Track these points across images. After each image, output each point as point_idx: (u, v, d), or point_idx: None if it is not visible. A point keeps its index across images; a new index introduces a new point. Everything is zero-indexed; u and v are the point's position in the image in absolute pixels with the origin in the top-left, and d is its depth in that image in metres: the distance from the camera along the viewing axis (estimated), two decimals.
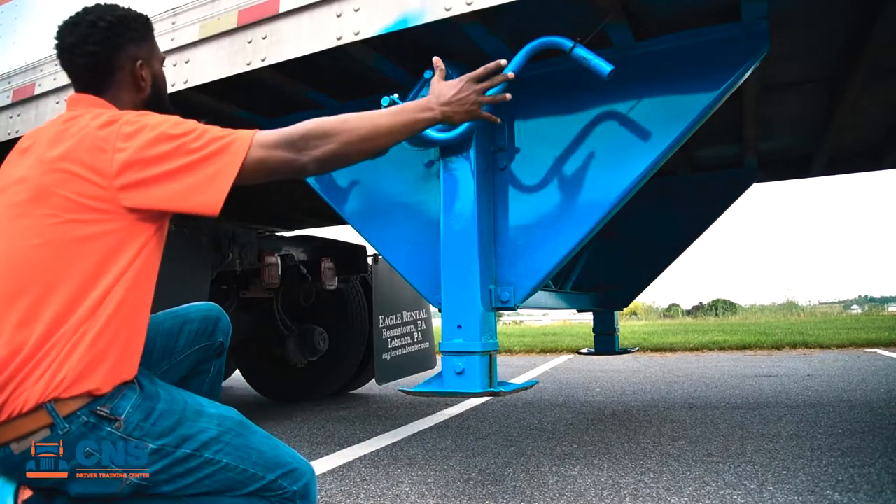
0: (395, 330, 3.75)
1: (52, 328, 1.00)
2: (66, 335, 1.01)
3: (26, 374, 0.98)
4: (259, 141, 1.11)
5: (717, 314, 22.61)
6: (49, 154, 1.08)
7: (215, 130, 1.11)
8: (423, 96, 1.85)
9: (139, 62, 1.26)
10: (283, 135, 1.13)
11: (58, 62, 1.42)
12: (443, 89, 1.31)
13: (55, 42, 1.26)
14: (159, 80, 1.32)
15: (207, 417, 1.11)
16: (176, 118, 1.12)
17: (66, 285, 1.03)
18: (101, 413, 1.02)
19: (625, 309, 3.89)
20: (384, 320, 3.66)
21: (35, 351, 0.99)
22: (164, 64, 1.40)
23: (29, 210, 1.05)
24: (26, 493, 1.04)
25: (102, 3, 1.31)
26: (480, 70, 1.38)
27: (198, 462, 1.07)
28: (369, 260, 4.01)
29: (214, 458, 1.07)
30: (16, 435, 1.00)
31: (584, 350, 4.01)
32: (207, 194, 1.07)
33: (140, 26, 1.30)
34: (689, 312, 29.19)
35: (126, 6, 1.32)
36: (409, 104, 1.25)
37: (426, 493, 1.97)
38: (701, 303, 33.25)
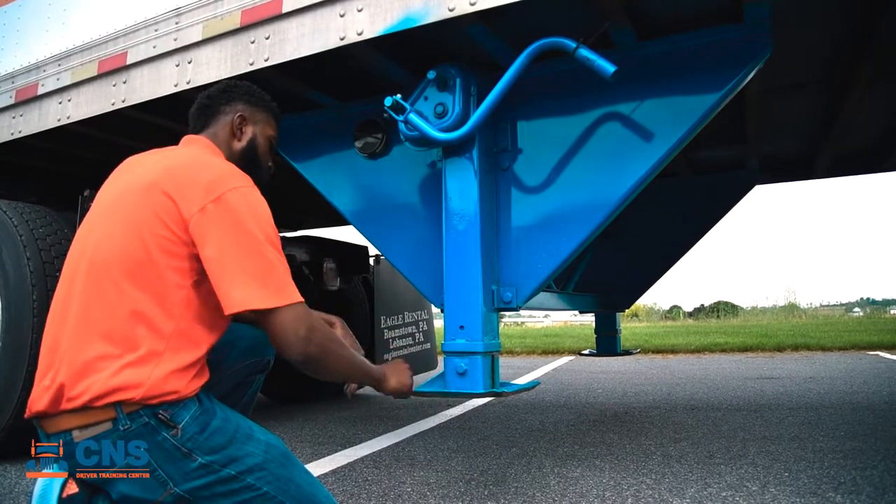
0: (397, 330, 3.75)
1: (140, 334, 1.07)
2: (152, 343, 1.07)
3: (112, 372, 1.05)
4: (299, 310, 1.13)
5: (718, 316, 22.58)
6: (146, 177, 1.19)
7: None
8: (425, 97, 1.87)
9: (241, 115, 1.41)
10: (310, 322, 1.16)
11: (60, 63, 1.43)
12: (401, 373, 1.45)
13: None
14: (258, 147, 1.44)
15: (256, 443, 1.13)
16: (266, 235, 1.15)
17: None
18: (162, 417, 1.05)
19: (626, 310, 3.88)
20: (386, 321, 3.66)
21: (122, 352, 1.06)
22: (168, 64, 1.44)
23: (126, 227, 1.14)
24: (72, 488, 1.07)
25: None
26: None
27: (239, 485, 1.09)
28: (371, 260, 4.01)
29: (255, 485, 1.10)
30: (80, 423, 1.04)
31: (586, 351, 4.01)
32: (237, 293, 1.10)
33: (259, 99, 1.46)
34: (690, 314, 29.18)
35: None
36: (376, 370, 1.39)
37: (428, 493, 1.97)
38: (702, 305, 33.22)
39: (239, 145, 1.40)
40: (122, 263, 1.09)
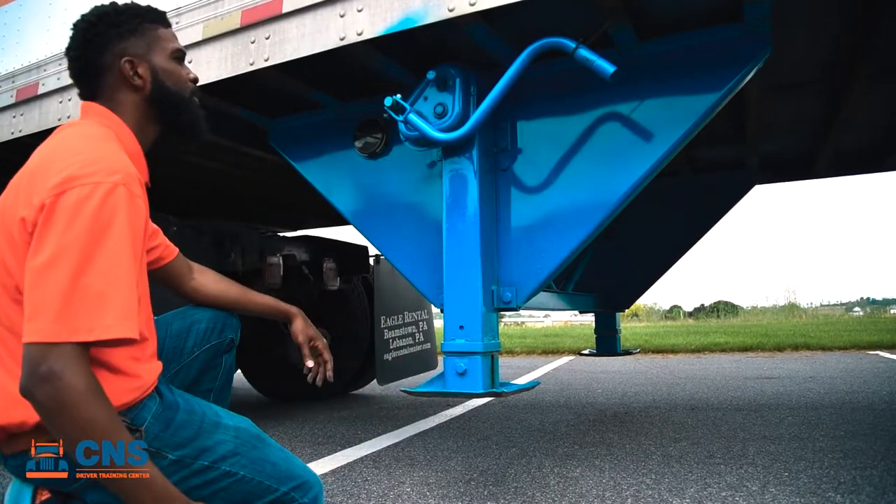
0: (397, 330, 3.75)
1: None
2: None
3: None
4: (62, 350, 0.87)
5: (718, 316, 22.57)
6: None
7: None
8: (424, 97, 1.87)
9: (126, 59, 1.13)
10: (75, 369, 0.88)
11: (61, 62, 1.38)
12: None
13: None
14: (164, 75, 1.16)
15: (224, 430, 1.11)
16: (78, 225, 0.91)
17: None
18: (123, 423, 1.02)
19: (626, 310, 3.89)
20: (386, 321, 3.66)
21: None
22: None
23: None
24: (44, 495, 1.03)
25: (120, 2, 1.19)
26: None
27: (215, 474, 1.07)
28: (371, 260, 4.01)
29: (231, 471, 1.08)
30: (34, 442, 0.99)
31: (586, 351, 4.01)
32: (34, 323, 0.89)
33: (127, 20, 1.15)
34: (690, 314, 29.20)
35: (123, 2, 1.20)
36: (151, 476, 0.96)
37: (428, 493, 1.97)
38: (702, 304, 33.25)
39: (144, 92, 1.14)
40: (3, 291, 0.99)
